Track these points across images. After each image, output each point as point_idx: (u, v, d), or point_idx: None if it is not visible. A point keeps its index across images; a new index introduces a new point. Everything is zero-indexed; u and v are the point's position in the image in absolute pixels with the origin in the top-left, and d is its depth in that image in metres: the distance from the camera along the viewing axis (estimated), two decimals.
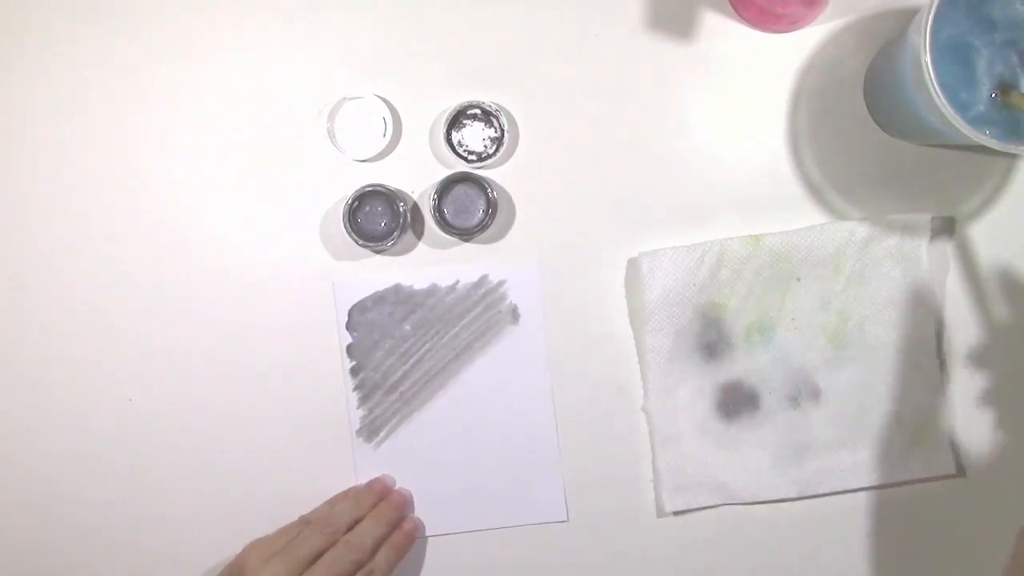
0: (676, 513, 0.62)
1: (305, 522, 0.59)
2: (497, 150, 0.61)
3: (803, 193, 0.61)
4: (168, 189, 0.63)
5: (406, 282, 0.62)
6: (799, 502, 0.61)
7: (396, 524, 0.60)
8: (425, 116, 0.62)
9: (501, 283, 0.62)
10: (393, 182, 0.62)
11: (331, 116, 0.62)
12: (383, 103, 0.62)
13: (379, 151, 0.62)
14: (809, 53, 0.61)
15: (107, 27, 0.63)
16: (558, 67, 0.62)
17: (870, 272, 0.60)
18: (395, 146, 0.63)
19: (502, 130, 0.61)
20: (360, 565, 0.57)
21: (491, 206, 0.60)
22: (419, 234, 0.63)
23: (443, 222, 0.61)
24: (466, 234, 0.61)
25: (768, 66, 0.61)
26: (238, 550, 0.58)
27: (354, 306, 0.62)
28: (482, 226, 0.61)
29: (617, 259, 0.62)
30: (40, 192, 0.63)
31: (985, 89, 0.50)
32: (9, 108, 0.63)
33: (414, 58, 0.62)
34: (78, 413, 0.63)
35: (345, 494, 0.61)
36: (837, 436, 0.61)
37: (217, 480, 0.63)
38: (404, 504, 0.62)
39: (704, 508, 0.61)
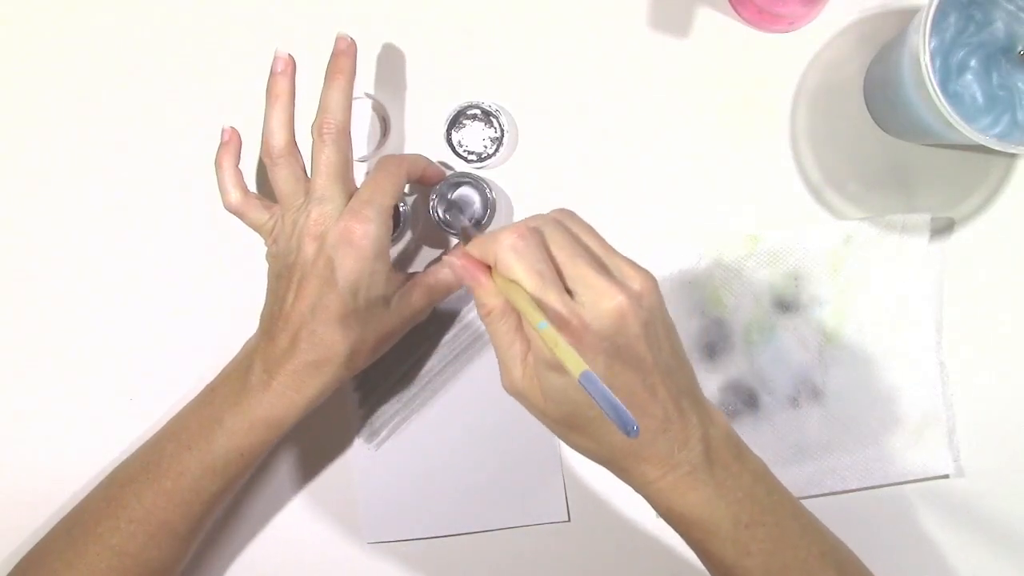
0: None
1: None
2: (497, 150, 0.61)
3: (802, 193, 0.61)
4: (168, 189, 0.63)
5: None
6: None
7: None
8: (425, 116, 0.62)
9: None
10: None
11: None
12: (382, 103, 0.62)
13: (379, 152, 0.62)
14: (809, 53, 0.61)
15: (107, 26, 0.63)
16: (558, 67, 0.62)
17: (869, 272, 0.60)
18: (395, 147, 0.62)
19: (502, 130, 0.61)
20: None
21: (490, 206, 0.60)
22: (419, 234, 0.63)
23: (443, 222, 0.61)
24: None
25: (768, 66, 0.61)
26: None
27: None
28: (482, 227, 0.61)
29: None
30: (41, 190, 0.63)
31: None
32: (10, 106, 0.63)
33: (414, 58, 0.62)
34: (78, 413, 0.63)
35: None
36: (836, 436, 0.61)
37: None
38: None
39: None
